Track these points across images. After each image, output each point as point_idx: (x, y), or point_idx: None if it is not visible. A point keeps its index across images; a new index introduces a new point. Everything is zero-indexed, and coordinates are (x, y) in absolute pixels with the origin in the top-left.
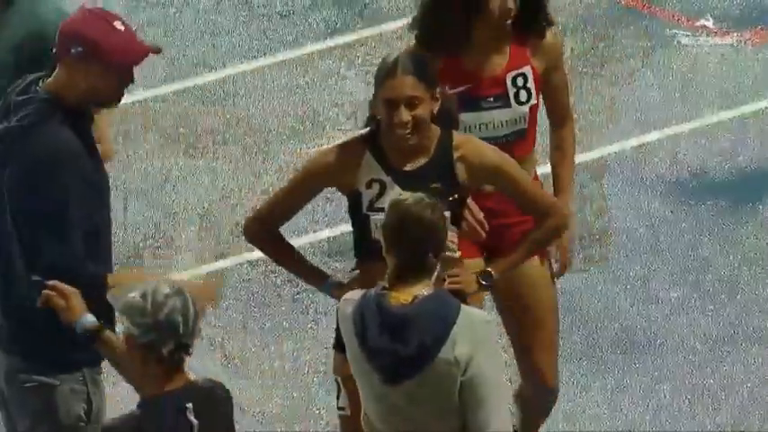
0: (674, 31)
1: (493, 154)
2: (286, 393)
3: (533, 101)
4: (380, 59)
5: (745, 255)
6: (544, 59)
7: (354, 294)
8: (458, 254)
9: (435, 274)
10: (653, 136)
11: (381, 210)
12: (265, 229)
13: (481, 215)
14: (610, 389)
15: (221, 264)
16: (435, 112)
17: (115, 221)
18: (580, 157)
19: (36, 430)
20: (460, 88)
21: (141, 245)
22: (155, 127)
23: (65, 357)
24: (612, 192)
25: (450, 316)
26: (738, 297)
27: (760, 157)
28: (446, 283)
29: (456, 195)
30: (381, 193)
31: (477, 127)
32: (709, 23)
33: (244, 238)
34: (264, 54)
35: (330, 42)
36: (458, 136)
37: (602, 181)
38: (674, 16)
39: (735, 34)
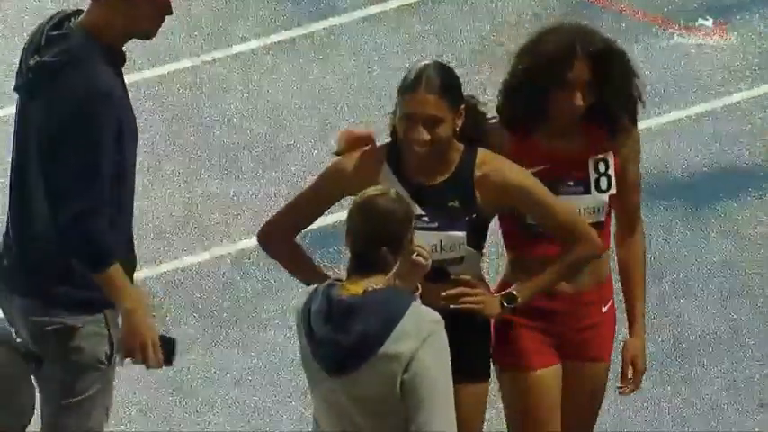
0: (634, 26)
1: (518, 173)
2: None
3: (613, 190)
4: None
5: (703, 257)
6: (624, 148)
7: (310, 288)
8: (428, 262)
9: (391, 271)
10: None
11: None
12: (281, 237)
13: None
14: None
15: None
16: (459, 128)
17: None
18: None
19: (59, 374)
20: (538, 168)
21: None
22: None
23: (86, 299)
24: None
25: (398, 311)
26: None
27: (716, 157)
28: (466, 304)
29: (474, 215)
30: None
31: None
32: (670, 19)
33: (259, 245)
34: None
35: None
36: (482, 153)
37: None
38: (631, 11)
39: (695, 30)
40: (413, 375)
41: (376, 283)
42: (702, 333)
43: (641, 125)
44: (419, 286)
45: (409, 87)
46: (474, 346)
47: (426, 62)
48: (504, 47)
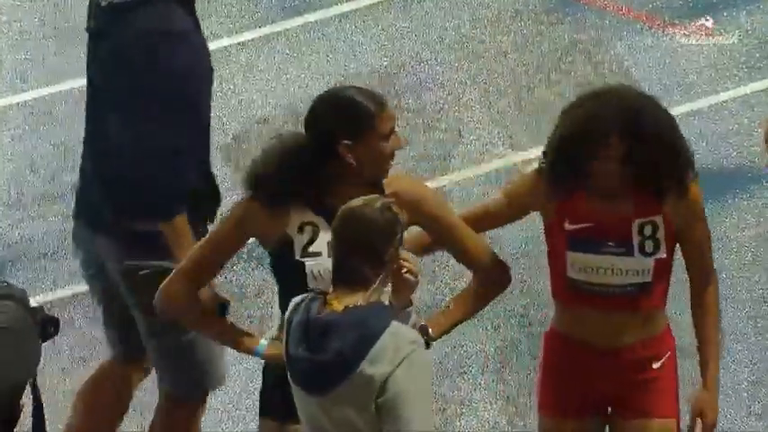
0: (617, 24)
1: (425, 189)
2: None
3: (662, 254)
4: (341, 102)
5: None
6: (678, 211)
7: (297, 298)
8: (417, 278)
9: (373, 287)
10: None
11: (317, 254)
12: (190, 291)
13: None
14: None
15: None
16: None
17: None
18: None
19: (149, 319)
20: (580, 225)
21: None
22: None
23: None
24: None
25: (376, 331)
26: None
27: (703, 158)
28: None
29: None
30: (314, 237)
31: (595, 270)
32: (655, 16)
33: (158, 308)
34: None
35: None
36: (391, 175)
37: None
38: (615, 8)
39: (680, 28)
40: (389, 397)
41: (359, 299)
42: (690, 338)
43: None
44: (412, 301)
45: (379, 108)
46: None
47: (349, 87)
48: (485, 44)
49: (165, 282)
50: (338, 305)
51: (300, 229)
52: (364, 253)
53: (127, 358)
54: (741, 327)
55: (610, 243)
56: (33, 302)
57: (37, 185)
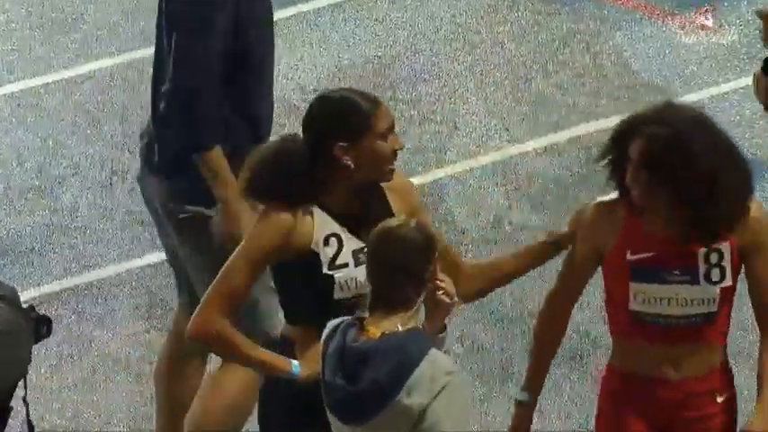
0: (616, 14)
1: (409, 182)
2: None
3: (728, 282)
4: (335, 103)
5: None
6: (746, 236)
7: (339, 320)
8: (453, 300)
9: (413, 309)
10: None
11: (344, 266)
12: (221, 321)
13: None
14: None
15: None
16: None
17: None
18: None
19: (193, 259)
20: (644, 255)
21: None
22: None
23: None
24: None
25: (412, 361)
26: None
27: None
28: None
29: None
30: (341, 248)
31: (659, 301)
32: (655, 6)
33: (191, 339)
34: None
35: None
36: None
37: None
38: None
39: (680, 18)
40: (426, 428)
41: (397, 322)
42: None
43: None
44: (446, 326)
45: (373, 106)
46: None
47: (345, 88)
48: (481, 35)
49: (196, 313)
50: (375, 331)
51: (326, 242)
52: (404, 274)
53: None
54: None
55: (675, 272)
56: (23, 300)
57: (24, 179)
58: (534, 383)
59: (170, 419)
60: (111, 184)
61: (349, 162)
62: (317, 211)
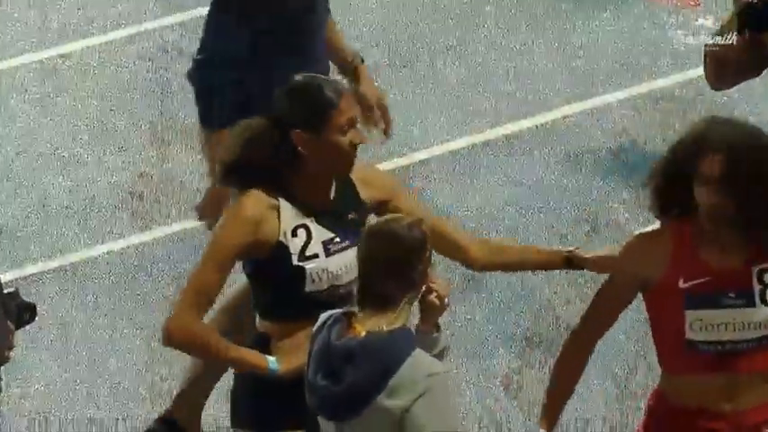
0: None
1: (381, 170)
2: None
3: None
4: (291, 96)
5: None
6: None
7: (331, 312)
8: (446, 302)
9: (400, 309)
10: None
11: (314, 257)
12: (197, 322)
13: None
14: None
15: (107, 247)
16: None
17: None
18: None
19: None
20: (698, 281)
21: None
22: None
23: None
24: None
25: (394, 362)
26: None
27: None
28: None
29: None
30: (309, 239)
31: (715, 327)
32: None
33: (166, 344)
34: None
35: None
36: None
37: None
38: None
39: None
40: (403, 425)
41: (383, 322)
42: None
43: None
44: (439, 326)
45: (333, 98)
46: None
47: (306, 75)
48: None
49: (169, 318)
50: (361, 329)
51: (294, 233)
52: (392, 272)
53: None
54: None
55: (730, 295)
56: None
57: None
58: (551, 416)
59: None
60: (86, 163)
61: (303, 151)
62: (282, 202)
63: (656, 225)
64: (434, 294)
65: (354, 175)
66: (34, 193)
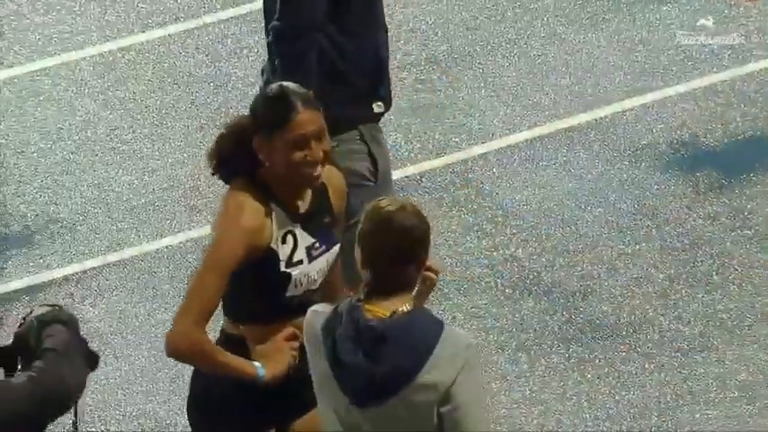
0: None
1: (341, 176)
2: None
3: None
4: (259, 99)
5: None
6: None
7: (324, 307)
8: (438, 277)
9: (414, 289)
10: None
11: (299, 263)
12: (201, 333)
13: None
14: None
15: (167, 241)
16: None
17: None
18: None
19: None
20: None
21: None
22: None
23: (336, 116)
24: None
25: (432, 336)
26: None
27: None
28: None
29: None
30: (296, 246)
31: None
32: None
33: (170, 356)
34: None
35: None
36: None
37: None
38: None
39: None
40: (454, 408)
41: (402, 303)
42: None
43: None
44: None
45: (289, 110)
46: None
47: (279, 84)
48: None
49: (173, 329)
50: (382, 311)
51: (284, 240)
52: (407, 258)
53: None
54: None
55: None
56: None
57: (63, 154)
58: None
59: None
60: (146, 157)
61: (262, 157)
62: (274, 208)
63: (717, 219)
64: (431, 271)
65: (327, 180)
66: (94, 187)
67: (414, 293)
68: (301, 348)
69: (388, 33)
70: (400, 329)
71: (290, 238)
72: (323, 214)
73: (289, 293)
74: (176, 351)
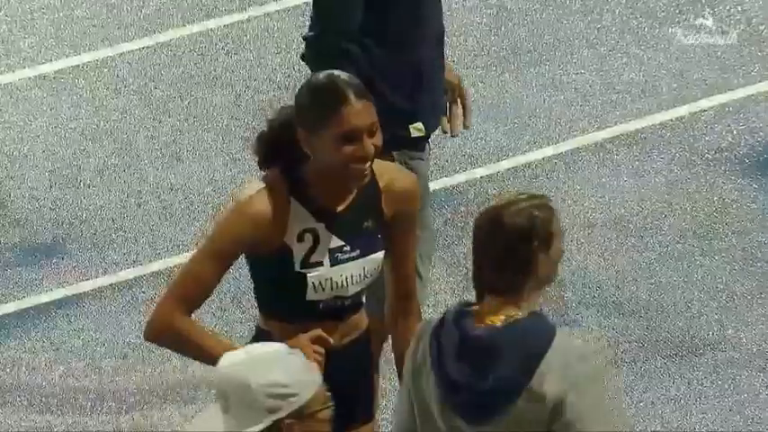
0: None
1: (414, 181)
2: None
3: None
4: (305, 89)
5: None
6: None
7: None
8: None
9: (527, 295)
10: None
11: (318, 264)
12: (185, 318)
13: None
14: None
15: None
16: None
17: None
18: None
19: None
20: None
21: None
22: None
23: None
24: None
25: (541, 345)
26: None
27: None
28: None
29: (381, 232)
30: (315, 246)
31: None
32: None
33: (147, 340)
34: None
35: None
36: (378, 162)
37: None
38: None
39: None
40: (567, 424)
41: (515, 309)
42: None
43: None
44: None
45: (340, 101)
46: None
47: (328, 73)
48: None
49: (152, 313)
50: (495, 319)
51: (300, 238)
52: (502, 261)
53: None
54: None
55: None
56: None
57: (101, 157)
58: None
59: None
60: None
61: (307, 150)
62: (294, 203)
63: None
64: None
65: (384, 182)
66: (131, 192)
67: (529, 298)
68: (327, 356)
69: (445, 35)
70: (508, 339)
71: (308, 237)
72: (363, 217)
73: (309, 297)
74: (152, 334)
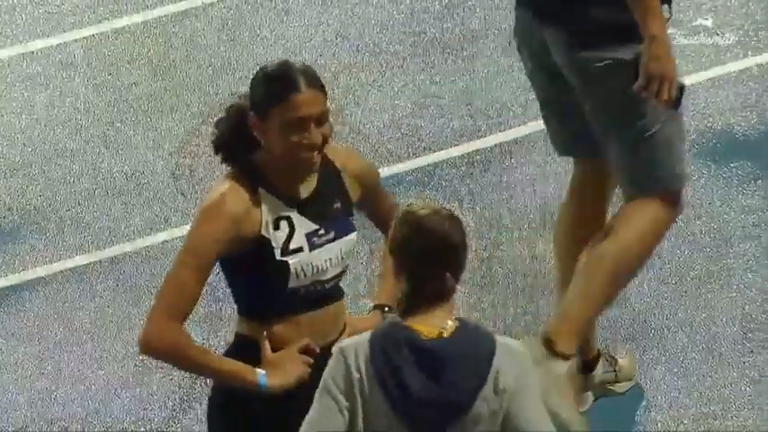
0: None
1: (366, 162)
2: None
3: None
4: (259, 75)
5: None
6: None
7: (355, 339)
8: None
9: (453, 298)
10: None
11: (298, 250)
12: (175, 330)
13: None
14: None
15: (162, 236)
16: None
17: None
18: None
19: (604, 113)
20: None
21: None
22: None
23: (627, 23)
24: None
25: (488, 348)
26: None
27: None
28: None
29: (350, 212)
30: (292, 232)
31: None
32: None
33: (144, 354)
34: None
35: None
36: (329, 147)
37: None
38: None
39: None
40: (516, 413)
41: (444, 318)
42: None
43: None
44: None
45: (290, 89)
46: None
47: (281, 60)
48: None
49: (147, 323)
50: (431, 329)
51: (276, 226)
52: (447, 265)
53: (578, 155)
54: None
55: None
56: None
57: (57, 141)
58: None
59: None
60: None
61: (258, 136)
62: (263, 192)
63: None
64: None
65: (342, 164)
66: (85, 177)
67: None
68: (314, 366)
69: None
70: (457, 349)
71: (284, 225)
72: (331, 200)
73: (291, 284)
74: (149, 350)
